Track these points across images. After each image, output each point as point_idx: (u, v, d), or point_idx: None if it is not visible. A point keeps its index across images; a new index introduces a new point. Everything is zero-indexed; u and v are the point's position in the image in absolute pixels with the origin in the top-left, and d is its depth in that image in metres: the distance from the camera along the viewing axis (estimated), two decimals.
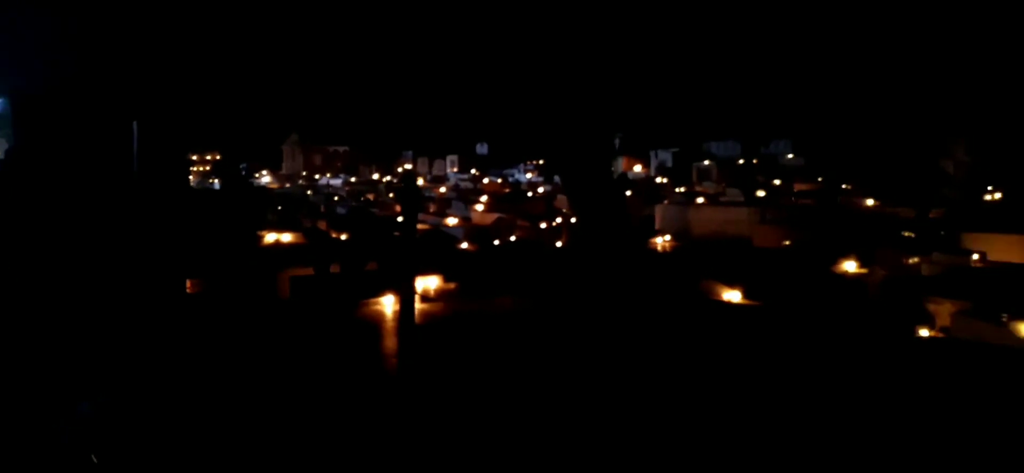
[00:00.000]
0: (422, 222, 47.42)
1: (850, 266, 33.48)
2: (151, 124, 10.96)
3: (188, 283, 16.54)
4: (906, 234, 43.34)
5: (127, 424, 8.68)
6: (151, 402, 9.28)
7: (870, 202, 61.96)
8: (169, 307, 11.24)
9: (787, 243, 41.86)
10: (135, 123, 10.94)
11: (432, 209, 63.22)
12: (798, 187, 71.90)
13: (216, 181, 71.30)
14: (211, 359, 12.39)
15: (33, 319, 11.90)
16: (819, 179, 74.24)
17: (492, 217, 54.84)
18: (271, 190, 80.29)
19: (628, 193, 55.56)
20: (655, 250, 40.91)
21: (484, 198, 68.12)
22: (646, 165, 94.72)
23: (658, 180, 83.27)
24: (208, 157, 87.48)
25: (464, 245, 38.72)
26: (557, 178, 74.31)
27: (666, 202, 59.18)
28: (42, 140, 13.48)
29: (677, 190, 73.91)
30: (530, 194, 75.96)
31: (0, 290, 14.15)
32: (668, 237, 45.94)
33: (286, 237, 36.21)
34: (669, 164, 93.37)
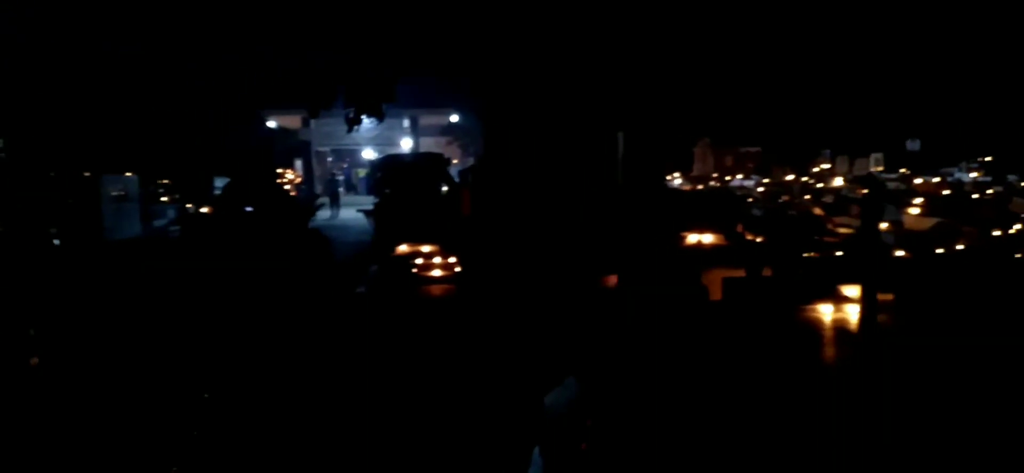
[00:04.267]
0: (846, 226, 44.55)
1: None
2: (635, 134, 12.56)
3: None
4: None
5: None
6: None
7: None
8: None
9: None
10: (620, 134, 12.66)
11: (854, 212, 58.88)
12: None
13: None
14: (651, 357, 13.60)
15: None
16: None
17: (929, 222, 49.18)
18: (685, 191, 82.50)
19: None
20: None
21: (919, 200, 61.28)
22: None
23: None
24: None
25: (899, 253, 35.49)
26: (1012, 178, 63.63)
27: None
28: (515, 147, 16.06)
29: None
30: (975, 196, 66.14)
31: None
32: None
33: (707, 238, 37.04)
34: None
